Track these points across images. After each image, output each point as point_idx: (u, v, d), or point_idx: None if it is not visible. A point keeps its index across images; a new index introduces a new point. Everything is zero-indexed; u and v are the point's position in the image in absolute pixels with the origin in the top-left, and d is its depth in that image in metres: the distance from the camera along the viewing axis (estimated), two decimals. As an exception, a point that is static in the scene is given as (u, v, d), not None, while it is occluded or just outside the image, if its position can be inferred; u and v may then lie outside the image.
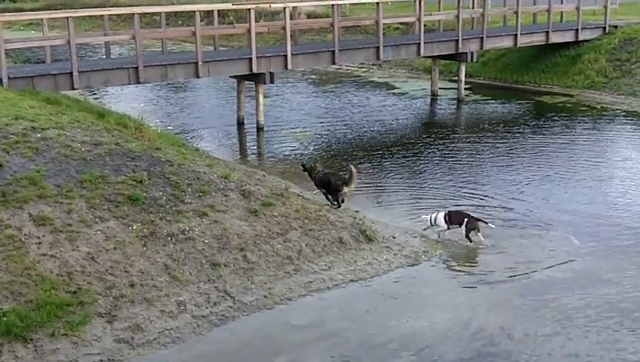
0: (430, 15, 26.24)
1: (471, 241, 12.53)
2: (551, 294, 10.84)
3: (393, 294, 10.91)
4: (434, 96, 27.36)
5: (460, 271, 11.89)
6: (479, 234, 12.61)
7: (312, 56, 23.23)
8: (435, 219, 12.75)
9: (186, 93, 29.98)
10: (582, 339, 9.58)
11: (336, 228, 12.33)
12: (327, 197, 13.78)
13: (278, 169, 17.92)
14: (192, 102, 28.26)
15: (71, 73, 18.27)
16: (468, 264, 12.11)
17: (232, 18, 39.52)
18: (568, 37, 28.38)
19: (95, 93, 27.22)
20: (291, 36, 22.44)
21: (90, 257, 10.19)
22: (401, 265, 11.85)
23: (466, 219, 12.58)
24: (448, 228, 12.71)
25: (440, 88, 27.74)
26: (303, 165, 14.77)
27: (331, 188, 13.67)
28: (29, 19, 33.01)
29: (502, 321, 10.02)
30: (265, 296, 10.54)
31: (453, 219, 12.67)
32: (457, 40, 25.37)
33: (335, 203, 13.54)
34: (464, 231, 12.56)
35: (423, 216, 13.20)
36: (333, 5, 23.42)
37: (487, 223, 12.74)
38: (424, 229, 13.08)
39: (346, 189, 13.57)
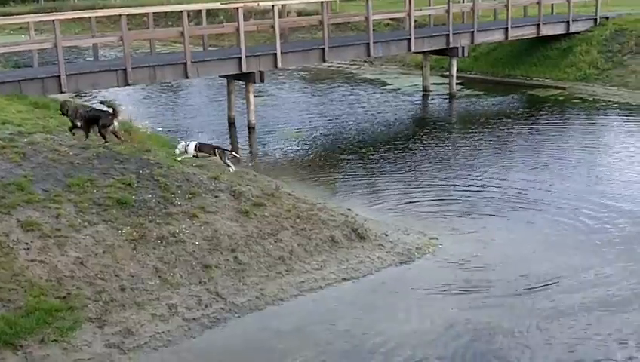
0: (420, 10, 26.15)
1: (229, 166, 14.04)
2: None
3: (384, 293, 10.81)
4: (426, 92, 27.29)
5: (452, 268, 11.78)
6: (229, 161, 14.16)
7: (302, 54, 23.12)
8: (187, 147, 14.07)
9: (175, 94, 29.84)
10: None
11: (328, 227, 12.24)
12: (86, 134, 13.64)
13: (269, 168, 17.82)
14: (182, 102, 28.13)
15: (59, 77, 18.13)
16: (461, 261, 11.98)
17: (222, 17, 39.38)
18: (559, 29, 28.34)
19: (84, 96, 27.05)
20: (281, 34, 22.33)
21: (80, 262, 10.08)
22: (393, 263, 11.76)
23: (215, 150, 14.37)
24: (196, 156, 14.11)
25: (432, 84, 27.67)
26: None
27: (100, 123, 13.56)
28: (18, 23, 32.82)
29: (492, 321, 9.95)
30: (257, 297, 10.45)
31: (203, 148, 14.30)
32: (448, 35, 25.30)
33: (104, 139, 13.52)
34: (220, 159, 14.15)
35: (178, 145, 14.26)
36: (322, 2, 23.30)
37: (233, 154, 14.90)
38: (174, 154, 14.00)
39: (115, 123, 13.64)
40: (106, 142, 13.35)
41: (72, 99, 14.97)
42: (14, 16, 27.73)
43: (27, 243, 10.11)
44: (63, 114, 13.74)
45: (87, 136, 13.47)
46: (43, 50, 22.04)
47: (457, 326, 9.81)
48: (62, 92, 18.47)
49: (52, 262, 9.94)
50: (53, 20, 18.18)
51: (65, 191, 11.25)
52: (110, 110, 13.68)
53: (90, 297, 9.63)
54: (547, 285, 10.94)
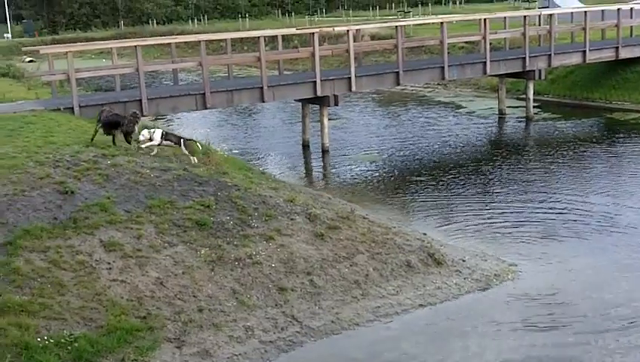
0: (496, 33, 25.90)
1: (193, 155, 14.21)
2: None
3: (461, 322, 10.62)
4: (502, 115, 26.94)
5: (531, 299, 11.45)
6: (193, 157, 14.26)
7: (376, 78, 23.15)
8: (153, 134, 14.23)
9: (250, 117, 30.27)
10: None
11: (404, 252, 12.14)
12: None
13: (343, 191, 17.83)
14: (257, 125, 28.51)
15: (140, 100, 18.64)
16: (540, 291, 11.64)
17: (296, 42, 39.86)
18: (638, 52, 27.58)
19: (162, 119, 27.72)
20: (355, 58, 22.44)
21: (160, 282, 10.27)
22: (471, 289, 11.55)
23: (181, 140, 14.58)
24: (160, 145, 14.24)
25: (508, 107, 27.31)
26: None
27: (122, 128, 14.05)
28: (99, 49, 33.92)
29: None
30: (332, 321, 10.41)
31: (169, 138, 14.54)
32: (524, 58, 24.95)
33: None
34: (185, 150, 14.33)
35: (144, 131, 14.32)
36: (397, 27, 23.33)
37: (197, 143, 15.11)
38: (137, 141, 14.10)
39: (136, 128, 14.06)
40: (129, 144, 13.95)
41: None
42: (99, 42, 28.72)
43: (109, 263, 10.36)
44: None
45: (114, 143, 14.00)
46: (123, 74, 22.68)
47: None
48: (143, 115, 18.92)
49: (133, 281, 10.15)
50: (135, 46, 18.73)
51: (146, 212, 11.50)
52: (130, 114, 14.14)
53: (170, 317, 9.77)
54: (633, 321, 10.46)
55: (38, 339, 8.77)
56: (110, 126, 14.03)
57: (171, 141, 14.53)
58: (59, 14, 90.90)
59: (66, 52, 18.44)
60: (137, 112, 14.59)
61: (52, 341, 8.81)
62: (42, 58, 31.23)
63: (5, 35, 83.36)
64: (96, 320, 9.42)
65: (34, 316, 9.14)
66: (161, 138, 14.35)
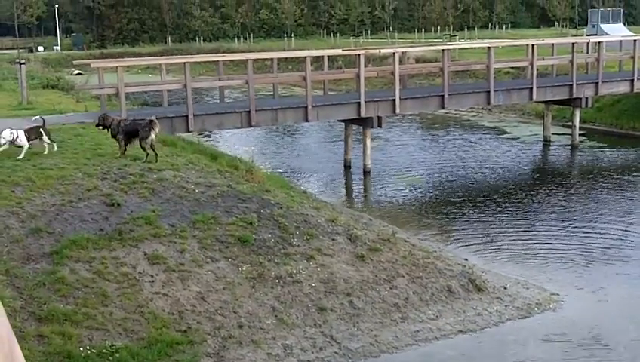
0: (543, 60, 25.72)
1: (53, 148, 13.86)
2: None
3: (501, 349, 10.50)
4: (546, 142, 26.68)
5: (573, 329, 11.30)
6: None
7: (421, 101, 23.15)
8: (17, 135, 13.60)
9: (293, 136, 30.43)
10: None
11: (445, 277, 12.07)
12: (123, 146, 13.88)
13: (384, 213, 17.80)
14: (300, 144, 28.65)
15: (186, 116, 18.88)
16: (583, 322, 11.48)
17: (340, 62, 40.07)
18: (689, 82, 27.10)
19: (205, 136, 28.03)
20: (400, 80, 22.47)
21: (201, 297, 10.35)
22: (512, 317, 11.42)
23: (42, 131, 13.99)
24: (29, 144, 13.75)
25: (553, 134, 27.05)
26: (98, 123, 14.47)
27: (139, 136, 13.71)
28: (148, 64, 34.48)
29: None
30: (371, 344, 10.38)
31: (31, 134, 13.84)
32: (571, 85, 24.71)
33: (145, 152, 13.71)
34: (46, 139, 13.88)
35: (4, 133, 13.59)
36: (443, 50, 23.33)
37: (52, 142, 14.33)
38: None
39: (153, 136, 13.68)
40: (147, 155, 13.69)
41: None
42: (147, 57, 29.19)
43: (152, 276, 10.49)
44: (99, 125, 14.27)
45: (125, 151, 13.89)
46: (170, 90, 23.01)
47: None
48: (189, 131, 19.22)
49: (175, 295, 10.25)
50: (184, 63, 19.03)
51: (190, 227, 11.63)
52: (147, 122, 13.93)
53: (210, 332, 9.84)
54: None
55: (81, 349, 8.90)
56: (130, 135, 13.95)
57: (33, 138, 13.81)
58: (108, 29, 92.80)
59: (116, 66, 18.81)
60: (154, 120, 13.97)
61: (94, 351, 8.93)
62: (90, 71, 31.88)
63: (55, 47, 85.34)
64: (137, 331, 9.53)
65: (77, 325, 9.28)
66: (26, 138, 13.65)
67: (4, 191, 11.61)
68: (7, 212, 11.02)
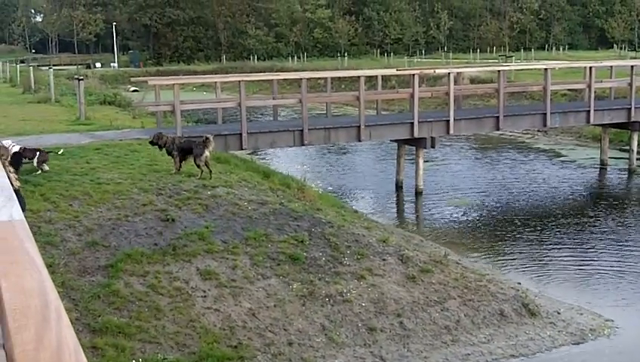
0: (601, 82, 25.32)
1: (44, 170, 13.47)
2: None
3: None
4: (603, 166, 26.18)
5: (628, 357, 11.04)
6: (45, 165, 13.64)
7: (476, 122, 22.98)
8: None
9: (344, 155, 30.49)
10: None
11: (497, 300, 11.91)
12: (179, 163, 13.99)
13: (435, 234, 17.67)
14: (351, 164, 28.68)
15: (240, 134, 19.09)
16: (634, 346, 11.22)
17: (393, 82, 40.07)
18: None
19: (259, 154, 28.29)
20: (454, 101, 22.37)
21: (252, 313, 10.42)
22: (565, 342, 11.21)
23: (37, 153, 13.72)
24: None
25: (610, 157, 26.52)
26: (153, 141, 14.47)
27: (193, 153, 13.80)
28: (203, 82, 35.05)
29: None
30: (421, 366, 10.29)
31: (27, 153, 13.60)
32: (630, 108, 24.25)
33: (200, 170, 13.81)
34: (36, 163, 13.52)
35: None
36: (499, 71, 23.15)
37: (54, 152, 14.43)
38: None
39: (207, 153, 13.71)
40: (201, 172, 13.84)
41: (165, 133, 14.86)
42: (204, 76, 29.69)
43: (204, 291, 10.60)
44: (154, 144, 14.43)
45: (180, 168, 14.05)
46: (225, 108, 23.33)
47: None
48: (242, 149, 19.42)
49: (226, 311, 10.34)
50: (239, 81, 19.28)
51: (242, 243, 11.73)
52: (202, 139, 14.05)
53: (260, 349, 9.89)
54: None
55: (133, 361, 9.03)
56: (185, 151, 14.16)
57: (30, 157, 13.58)
58: (164, 47, 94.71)
59: (172, 84, 19.17)
60: (209, 137, 14.09)
61: (146, 364, 9.06)
62: (146, 88, 32.49)
63: (112, 64, 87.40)
64: (189, 346, 9.63)
65: (130, 338, 9.43)
66: (21, 155, 13.28)
67: (62, 205, 11.90)
68: (64, 225, 11.30)
